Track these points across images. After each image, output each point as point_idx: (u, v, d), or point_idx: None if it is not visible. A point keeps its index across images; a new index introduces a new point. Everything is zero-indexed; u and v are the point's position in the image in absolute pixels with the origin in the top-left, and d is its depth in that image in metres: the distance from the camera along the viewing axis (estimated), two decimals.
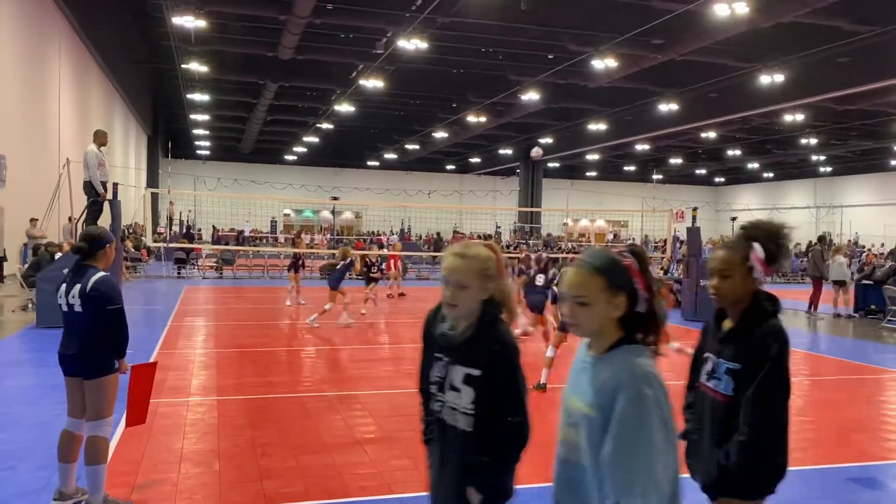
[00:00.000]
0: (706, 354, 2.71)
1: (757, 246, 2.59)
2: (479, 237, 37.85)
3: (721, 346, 2.63)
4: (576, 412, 2.10)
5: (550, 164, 51.10)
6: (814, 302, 17.17)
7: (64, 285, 4.41)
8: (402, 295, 19.01)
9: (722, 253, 2.68)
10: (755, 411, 2.47)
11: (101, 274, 4.40)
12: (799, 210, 53.41)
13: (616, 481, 1.92)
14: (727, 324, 2.65)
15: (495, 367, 2.36)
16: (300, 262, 16.43)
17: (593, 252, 2.17)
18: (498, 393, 2.35)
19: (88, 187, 12.37)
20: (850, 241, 38.94)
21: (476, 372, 2.36)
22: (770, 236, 2.63)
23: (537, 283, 9.55)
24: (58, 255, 13.56)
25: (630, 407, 1.93)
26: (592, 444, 2.01)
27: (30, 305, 13.38)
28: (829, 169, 50.96)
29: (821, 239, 18.77)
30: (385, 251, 21.07)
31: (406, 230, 45.17)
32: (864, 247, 37.79)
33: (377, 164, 54.18)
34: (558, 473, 2.18)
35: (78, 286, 4.33)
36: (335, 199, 43.61)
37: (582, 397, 2.08)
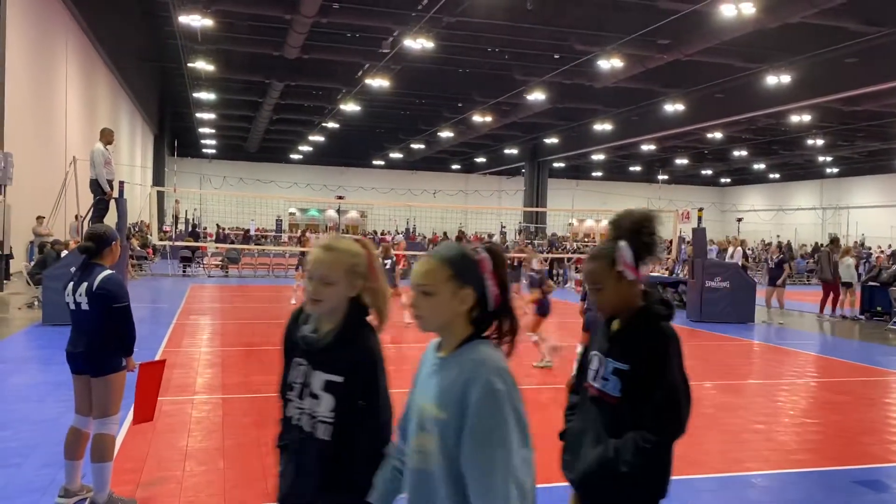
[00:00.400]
0: (593, 353, 2.51)
1: (622, 247, 2.34)
2: (487, 237, 37.85)
3: (610, 344, 2.42)
4: (427, 418, 1.97)
5: (556, 165, 51.06)
6: (825, 304, 17.07)
7: (71, 283, 4.43)
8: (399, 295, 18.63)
9: (589, 265, 2.46)
10: (658, 416, 2.30)
11: (108, 272, 4.41)
12: (805, 211, 53.26)
13: (474, 479, 1.84)
14: (616, 324, 2.44)
15: (357, 374, 2.24)
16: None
17: (446, 244, 2.09)
18: (358, 401, 2.22)
19: (95, 185, 12.41)
20: (856, 242, 38.78)
21: (337, 378, 2.23)
22: (634, 232, 2.36)
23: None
24: (64, 253, 13.60)
25: (483, 402, 1.84)
26: (446, 447, 1.90)
27: (36, 303, 13.44)
28: (835, 170, 50.79)
29: (833, 241, 18.50)
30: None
31: (411, 230, 45.18)
32: (869, 248, 37.66)
33: (382, 163, 54.20)
34: (411, 484, 2.02)
35: (85, 284, 4.35)
36: (340, 198, 43.68)
37: (432, 400, 1.97)
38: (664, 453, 2.39)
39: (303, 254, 17.16)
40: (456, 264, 2.00)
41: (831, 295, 16.99)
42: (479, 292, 1.99)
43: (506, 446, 1.82)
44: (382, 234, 40.94)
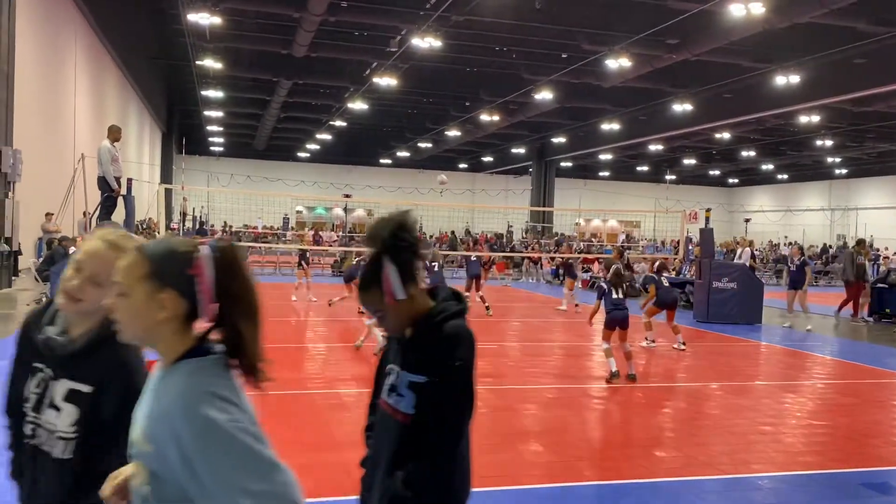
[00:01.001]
0: (389, 366, 2.20)
1: (387, 273, 2.03)
2: (493, 236, 37.84)
3: (404, 355, 2.13)
4: (135, 446, 1.62)
5: (563, 164, 50.99)
6: (846, 305, 16.79)
7: None
8: None
9: (362, 296, 2.17)
10: (438, 432, 2.04)
11: None
12: (813, 212, 53.05)
13: None
14: (409, 331, 2.14)
15: (109, 385, 1.96)
16: (306, 258, 16.93)
17: (162, 237, 1.79)
18: (108, 416, 1.95)
19: (102, 182, 12.45)
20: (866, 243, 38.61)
21: (86, 388, 1.96)
22: (393, 246, 2.04)
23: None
24: (72, 250, 13.66)
25: (198, 441, 1.48)
26: (158, 488, 1.55)
27: (44, 299, 13.47)
28: (844, 171, 50.58)
29: (859, 242, 18.08)
30: None
31: (418, 228, 45.19)
32: (877, 250, 37.49)
33: (389, 161, 54.24)
34: None
35: None
36: (347, 196, 43.69)
37: (140, 425, 1.61)
38: (447, 473, 2.10)
39: (302, 252, 17.46)
40: (157, 261, 1.61)
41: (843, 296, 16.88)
42: (191, 298, 1.60)
43: (245, 489, 1.49)
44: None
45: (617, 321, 8.99)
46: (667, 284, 11.89)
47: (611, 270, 9.73)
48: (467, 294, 14.88)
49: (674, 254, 25.79)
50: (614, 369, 8.72)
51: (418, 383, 2.05)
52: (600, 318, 9.44)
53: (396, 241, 2.04)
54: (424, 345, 2.07)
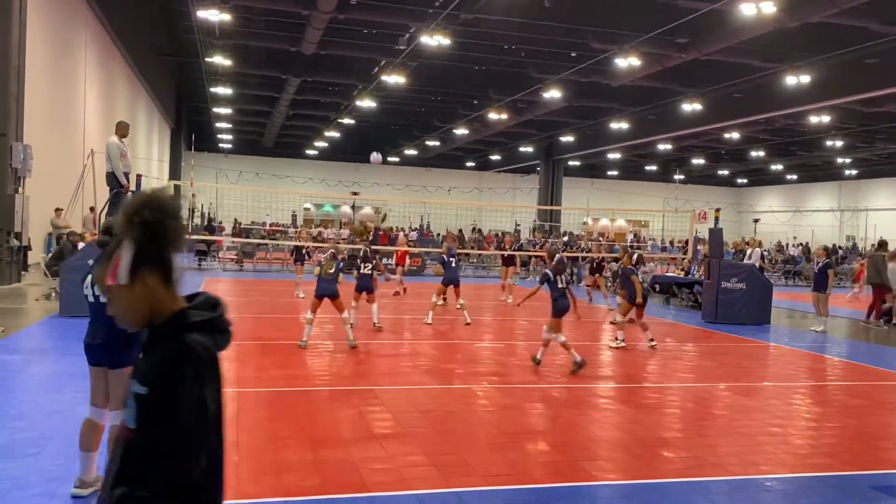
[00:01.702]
0: None
1: (123, 247, 1.82)
2: (499, 234, 37.77)
3: (137, 363, 1.90)
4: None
5: (571, 163, 50.90)
6: (875, 309, 16.29)
7: (90, 276, 4.45)
8: (405, 291, 18.25)
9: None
10: (152, 457, 1.75)
11: None
12: (823, 213, 52.78)
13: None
14: (144, 335, 1.92)
15: None
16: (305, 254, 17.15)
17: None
18: None
19: (111, 178, 12.48)
20: (872, 245, 38.38)
21: None
22: (134, 224, 1.82)
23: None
24: (80, 245, 13.71)
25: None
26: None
27: (53, 294, 13.54)
28: (854, 171, 50.32)
29: (881, 244, 17.70)
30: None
31: (425, 226, 45.19)
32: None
33: (397, 159, 54.26)
34: None
35: None
36: (355, 193, 43.75)
37: None
38: None
39: (297, 248, 17.56)
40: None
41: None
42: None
43: None
44: (390, 231, 40.97)
45: (564, 310, 9.35)
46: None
47: (554, 259, 9.79)
48: (444, 300, 14.70)
49: (682, 254, 25.70)
50: (579, 359, 9.09)
51: (140, 395, 1.80)
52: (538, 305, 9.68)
53: (140, 218, 1.81)
54: (152, 353, 1.83)
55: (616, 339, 11.40)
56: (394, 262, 20.06)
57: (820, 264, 15.24)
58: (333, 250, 10.58)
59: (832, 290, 15.11)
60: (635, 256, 12.66)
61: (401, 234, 29.84)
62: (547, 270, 9.66)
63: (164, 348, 1.80)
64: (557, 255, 9.80)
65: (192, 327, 1.83)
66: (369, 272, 11.82)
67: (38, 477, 4.79)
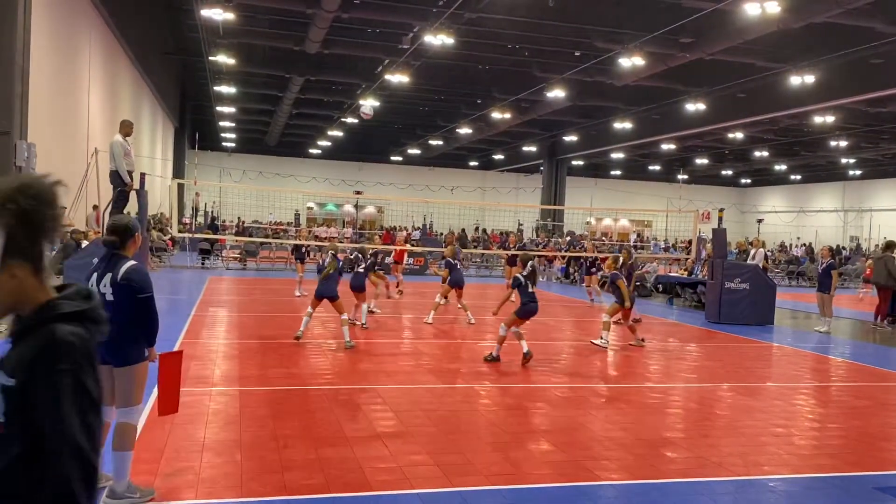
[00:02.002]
0: None
1: None
2: (501, 234, 37.77)
3: (7, 354, 1.79)
4: None
5: (575, 163, 50.87)
6: (881, 312, 16.03)
7: (95, 274, 4.46)
8: (400, 292, 18.20)
9: None
10: (21, 454, 1.65)
11: (132, 263, 4.45)
12: (827, 213, 52.68)
13: None
14: (12, 324, 1.83)
15: None
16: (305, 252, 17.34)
17: None
18: None
19: (115, 177, 12.50)
20: (876, 246, 38.27)
21: None
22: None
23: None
24: (84, 243, 13.73)
25: None
26: None
27: None
28: (858, 172, 50.21)
29: (889, 245, 17.57)
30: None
31: (428, 226, 45.22)
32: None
33: (400, 159, 54.28)
34: None
35: (109, 275, 4.38)
36: (358, 193, 43.74)
37: None
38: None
39: (297, 247, 17.69)
40: None
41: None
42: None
43: None
44: (391, 229, 40.99)
45: (531, 313, 9.76)
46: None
47: (526, 266, 10.00)
48: (445, 299, 14.65)
49: (685, 254, 25.66)
50: (496, 353, 9.62)
51: (8, 387, 1.70)
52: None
53: (14, 205, 1.70)
54: (20, 343, 1.74)
55: (601, 338, 11.36)
56: (392, 259, 20.11)
57: (824, 265, 15.15)
58: (333, 250, 10.61)
59: (836, 290, 15.02)
60: (620, 261, 12.61)
61: (402, 232, 29.86)
62: (518, 275, 9.98)
63: (32, 339, 1.71)
64: (530, 263, 10.03)
65: (63, 318, 1.74)
66: (363, 271, 12.19)
67: None
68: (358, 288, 12.00)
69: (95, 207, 17.51)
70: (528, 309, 9.70)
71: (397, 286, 18.15)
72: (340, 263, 10.44)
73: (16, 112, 15.68)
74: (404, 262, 19.92)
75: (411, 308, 15.84)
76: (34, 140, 16.23)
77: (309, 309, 10.38)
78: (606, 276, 12.92)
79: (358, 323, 12.18)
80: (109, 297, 4.38)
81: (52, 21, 18.95)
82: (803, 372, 10.31)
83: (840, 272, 30.80)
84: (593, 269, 18.66)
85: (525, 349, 9.56)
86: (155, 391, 6.58)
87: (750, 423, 7.10)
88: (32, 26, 16.30)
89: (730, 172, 56.39)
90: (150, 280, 4.49)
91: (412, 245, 27.28)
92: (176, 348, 9.28)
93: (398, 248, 20.26)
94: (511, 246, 20.00)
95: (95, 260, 4.69)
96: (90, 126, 23.26)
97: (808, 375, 10.06)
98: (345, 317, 10.31)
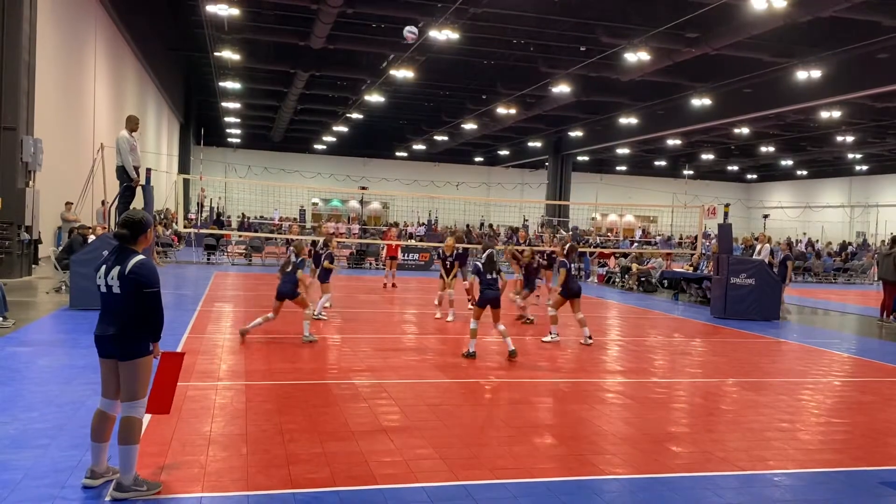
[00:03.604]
0: None
1: None
2: (509, 230, 37.76)
3: None
4: None
5: (580, 158, 50.80)
6: (887, 308, 16.01)
7: (104, 267, 4.47)
8: (394, 286, 18.70)
9: None
10: None
11: (141, 257, 4.47)
12: (833, 209, 52.51)
13: None
14: None
15: None
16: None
17: None
18: None
19: (121, 172, 12.53)
20: (883, 241, 38.13)
21: None
22: None
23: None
24: (90, 238, 13.77)
25: None
26: None
27: (63, 287, 13.63)
28: (865, 167, 50.02)
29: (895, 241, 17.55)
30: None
31: (433, 221, 45.24)
32: None
33: (405, 154, 54.26)
34: None
35: (118, 268, 4.40)
36: (363, 188, 43.77)
37: None
38: None
39: (288, 241, 17.74)
40: None
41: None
42: None
43: None
44: (393, 225, 40.96)
45: (489, 300, 9.53)
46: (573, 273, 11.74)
47: (485, 253, 9.93)
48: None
49: (690, 249, 25.62)
50: (472, 350, 9.45)
51: None
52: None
53: None
54: None
55: (550, 333, 11.26)
56: (385, 255, 20.23)
57: (780, 257, 16.59)
58: (294, 249, 10.67)
59: (791, 282, 16.64)
60: (568, 246, 12.57)
61: (392, 228, 29.87)
62: (477, 262, 9.89)
63: None
64: (489, 250, 9.98)
65: None
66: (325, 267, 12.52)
67: (49, 467, 4.83)
68: (321, 280, 12.60)
69: (103, 203, 17.56)
70: (485, 297, 9.56)
71: (393, 284, 18.66)
72: (300, 261, 10.41)
73: (22, 108, 15.77)
74: (398, 257, 20.01)
75: (418, 304, 15.85)
76: (40, 135, 16.30)
77: (269, 314, 10.21)
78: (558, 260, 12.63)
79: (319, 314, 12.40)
80: (116, 290, 4.39)
81: (57, 18, 18.99)
82: (809, 367, 10.29)
83: (847, 268, 30.75)
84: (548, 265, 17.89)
85: (510, 347, 9.48)
86: None
87: (755, 418, 7.09)
88: (38, 23, 16.36)
89: (736, 168, 56.26)
90: (157, 275, 4.50)
91: (416, 240, 27.27)
92: (181, 345, 9.33)
93: (392, 243, 20.32)
94: (521, 242, 19.94)
95: (105, 252, 4.71)
96: (96, 121, 23.32)
97: (814, 371, 10.04)
98: (308, 311, 10.40)
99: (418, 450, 5.56)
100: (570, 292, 11.09)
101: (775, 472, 5.50)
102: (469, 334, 9.66)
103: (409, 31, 19.43)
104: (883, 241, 37.78)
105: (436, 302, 14.23)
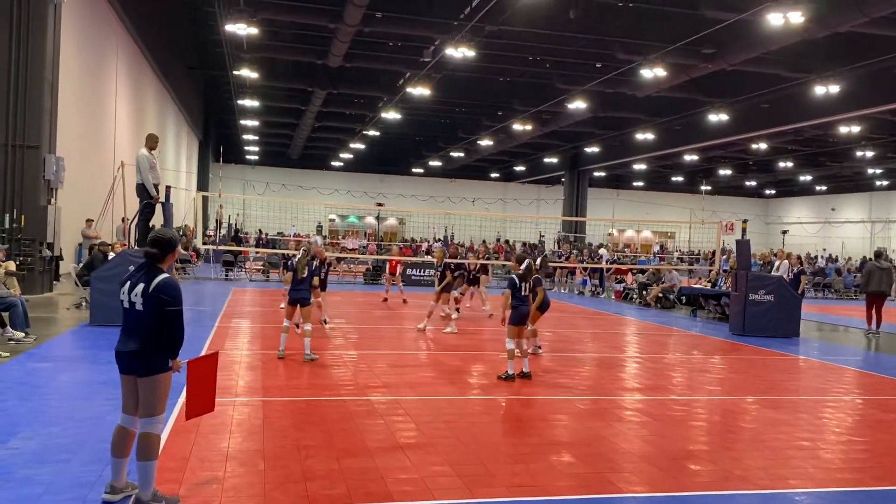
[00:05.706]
0: None
1: None
2: (524, 245, 37.72)
3: None
4: None
5: (596, 174, 50.74)
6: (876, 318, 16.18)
7: (128, 283, 4.54)
8: (404, 301, 18.66)
9: None
10: None
11: (166, 275, 4.53)
12: (853, 224, 52.00)
13: None
14: None
15: None
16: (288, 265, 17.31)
17: None
18: None
19: (141, 190, 12.68)
20: None
21: None
22: None
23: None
24: (111, 255, 13.92)
25: None
26: None
27: (83, 304, 13.77)
28: (885, 182, 49.55)
29: None
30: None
31: (450, 237, 45.30)
32: None
33: (422, 171, 54.49)
34: None
35: (142, 286, 4.46)
36: (380, 205, 43.96)
37: None
38: None
39: (284, 256, 17.80)
40: None
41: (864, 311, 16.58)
42: None
43: None
44: (410, 242, 41.07)
45: (524, 316, 9.28)
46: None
47: (522, 265, 9.32)
48: (457, 310, 14.82)
49: (708, 265, 25.45)
50: (511, 372, 9.05)
51: None
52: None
53: None
54: None
55: (533, 346, 11.10)
56: (387, 271, 20.35)
57: (794, 272, 17.13)
58: (307, 249, 10.63)
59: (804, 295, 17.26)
60: (539, 261, 12.43)
61: (395, 245, 29.95)
62: (513, 276, 9.30)
63: None
64: (527, 261, 9.54)
65: None
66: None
67: (69, 482, 4.88)
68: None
69: (123, 220, 17.76)
70: (519, 313, 9.13)
71: (404, 301, 18.66)
72: (315, 264, 10.23)
73: (45, 126, 16.02)
74: (398, 272, 20.09)
75: (435, 320, 15.84)
76: (63, 154, 16.55)
77: (285, 322, 10.14)
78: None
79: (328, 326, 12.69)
80: (139, 307, 4.45)
81: (80, 38, 19.32)
82: (830, 385, 10.18)
83: (816, 282, 30.39)
84: (473, 282, 17.07)
85: (525, 369, 9.22)
86: (179, 401, 6.68)
87: (775, 436, 7.02)
88: (62, 43, 16.65)
89: (754, 183, 55.91)
90: (181, 294, 4.56)
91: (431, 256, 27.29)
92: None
93: (393, 259, 20.42)
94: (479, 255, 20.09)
95: (131, 268, 4.80)
96: (117, 140, 23.64)
97: (834, 388, 9.93)
98: (308, 327, 10.02)
99: (434, 467, 5.56)
100: (544, 307, 10.84)
101: (796, 490, 5.45)
102: (507, 355, 9.18)
103: None
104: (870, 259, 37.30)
105: (441, 314, 14.61)
